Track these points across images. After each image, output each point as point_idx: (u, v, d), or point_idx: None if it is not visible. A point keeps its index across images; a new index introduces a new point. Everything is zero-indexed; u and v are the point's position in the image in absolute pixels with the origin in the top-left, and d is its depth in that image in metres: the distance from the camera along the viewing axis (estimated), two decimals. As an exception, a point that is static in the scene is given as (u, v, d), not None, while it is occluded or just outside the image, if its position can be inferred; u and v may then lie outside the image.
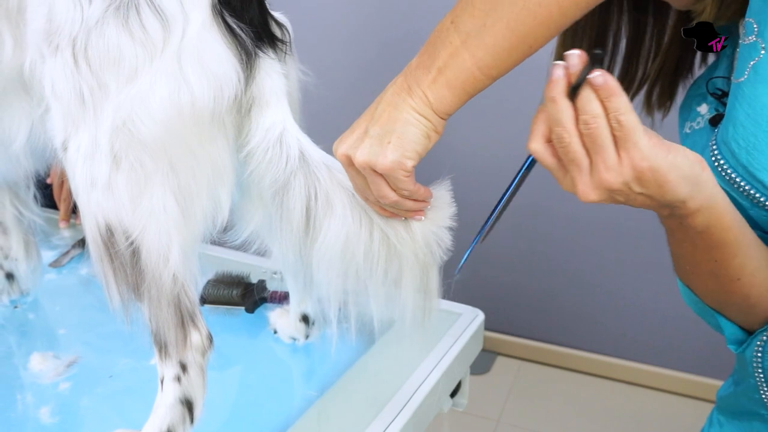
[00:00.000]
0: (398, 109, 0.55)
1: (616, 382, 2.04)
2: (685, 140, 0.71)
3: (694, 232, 0.55)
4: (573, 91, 0.50)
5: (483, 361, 2.13)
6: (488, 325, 2.39)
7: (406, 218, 0.63)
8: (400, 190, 0.58)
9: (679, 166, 0.50)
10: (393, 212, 0.62)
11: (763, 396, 0.66)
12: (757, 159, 0.57)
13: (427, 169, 0.63)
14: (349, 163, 0.57)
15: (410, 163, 0.55)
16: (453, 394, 0.87)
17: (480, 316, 0.91)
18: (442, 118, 0.55)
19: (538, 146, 0.53)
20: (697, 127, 0.69)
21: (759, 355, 0.64)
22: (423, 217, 0.62)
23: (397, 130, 0.54)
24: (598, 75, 0.48)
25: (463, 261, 0.64)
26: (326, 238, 0.62)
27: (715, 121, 0.65)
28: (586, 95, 0.49)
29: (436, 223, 0.63)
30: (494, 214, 0.62)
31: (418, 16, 2.00)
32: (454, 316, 0.90)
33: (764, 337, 0.64)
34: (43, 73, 0.59)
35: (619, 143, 0.50)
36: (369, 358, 0.82)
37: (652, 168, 0.49)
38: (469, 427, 1.86)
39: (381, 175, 0.56)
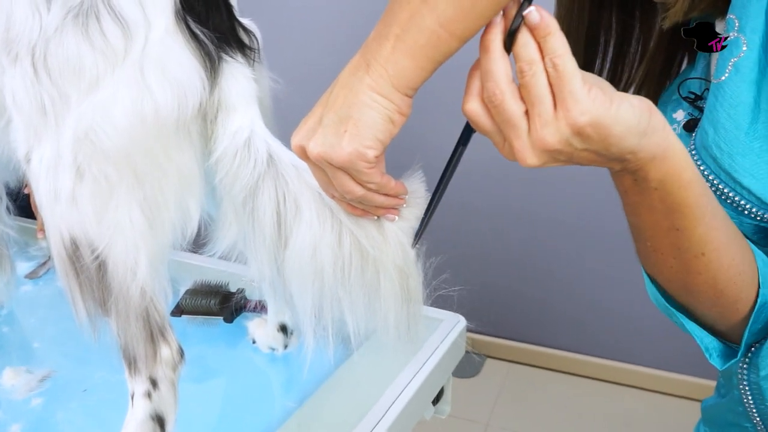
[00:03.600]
0: (354, 90, 0.48)
1: (605, 383, 2.04)
2: None
3: (651, 189, 0.50)
4: (510, 39, 0.44)
5: (472, 364, 2.12)
6: (477, 328, 2.38)
7: (378, 217, 0.58)
8: (365, 184, 0.52)
9: (624, 118, 0.45)
10: (363, 209, 0.57)
11: (748, 408, 0.63)
12: (739, 163, 0.54)
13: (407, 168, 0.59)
14: (305, 156, 0.52)
15: (372, 153, 0.49)
16: (435, 401, 0.86)
17: (461, 322, 0.90)
18: (406, 95, 0.48)
19: (473, 106, 0.47)
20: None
21: (744, 367, 0.62)
22: (397, 216, 0.57)
23: (354, 115, 0.48)
24: (532, 10, 0.43)
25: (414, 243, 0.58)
26: (296, 244, 0.60)
27: (690, 126, 0.63)
28: (522, 39, 0.44)
29: (411, 221, 0.58)
30: (435, 197, 0.56)
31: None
32: (435, 322, 0.89)
33: (749, 355, 0.61)
34: (3, 84, 0.58)
35: (556, 93, 0.44)
36: (348, 366, 0.81)
37: (593, 122, 0.44)
38: (459, 430, 1.85)
39: (341, 168, 0.50)
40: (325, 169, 0.52)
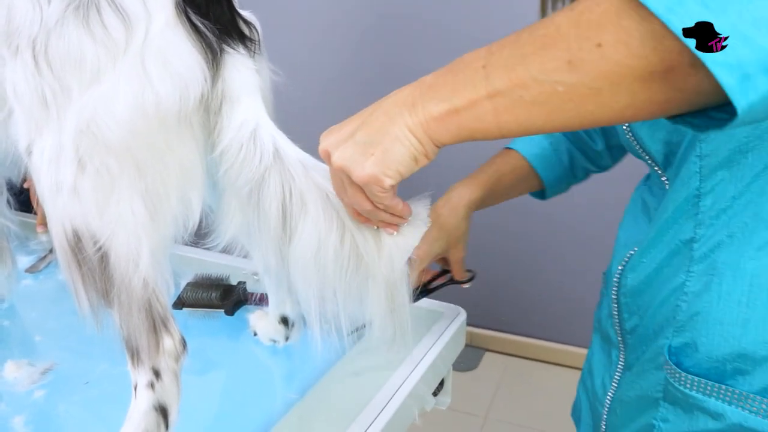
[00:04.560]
0: (393, 122, 0.51)
1: (604, 375, 2.05)
2: None
3: None
4: None
5: (470, 358, 2.12)
6: (476, 322, 2.39)
7: (378, 227, 0.61)
8: (375, 203, 0.56)
9: None
10: (367, 218, 0.60)
11: (614, 315, 0.72)
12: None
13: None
14: (328, 161, 0.55)
15: (389, 182, 0.53)
16: (436, 393, 0.86)
17: (462, 315, 0.91)
18: (436, 146, 0.52)
19: None
20: None
21: (619, 270, 0.70)
22: (395, 232, 0.60)
23: (385, 143, 0.51)
24: None
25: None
26: (301, 239, 0.61)
27: None
28: None
29: (407, 240, 0.61)
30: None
31: (394, 14, 1.98)
32: (435, 314, 0.90)
33: (632, 251, 0.68)
34: (4, 76, 0.58)
35: None
36: (350, 358, 0.81)
37: None
38: (457, 424, 1.86)
39: (357, 184, 0.54)
40: (342, 179, 0.55)
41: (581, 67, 0.42)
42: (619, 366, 0.74)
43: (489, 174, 0.85)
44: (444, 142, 0.51)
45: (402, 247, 0.61)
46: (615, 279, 0.71)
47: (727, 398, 0.59)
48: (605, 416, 0.76)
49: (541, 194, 0.92)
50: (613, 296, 0.71)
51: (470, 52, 0.49)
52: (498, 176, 0.86)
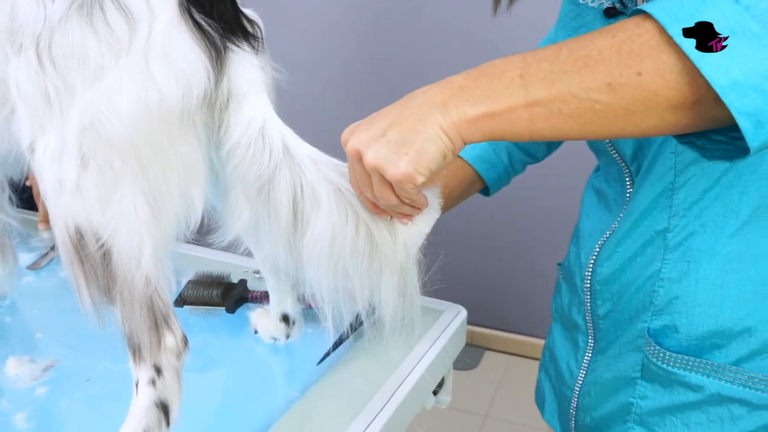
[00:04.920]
0: (425, 122, 0.52)
1: (603, 375, 2.06)
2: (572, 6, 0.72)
3: None
4: None
5: (471, 357, 2.13)
6: (476, 321, 2.39)
7: (392, 217, 0.63)
8: (402, 197, 0.57)
9: None
10: (384, 210, 0.62)
11: (586, 302, 0.75)
12: None
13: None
14: (357, 159, 0.56)
15: (421, 179, 0.54)
16: (436, 392, 0.86)
17: (462, 313, 0.91)
18: (464, 144, 0.54)
19: None
20: (592, 5, 0.70)
21: (592, 261, 0.73)
22: (409, 221, 0.63)
23: (418, 143, 0.52)
24: None
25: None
26: (314, 232, 0.62)
27: (609, 13, 0.67)
28: None
29: (420, 228, 0.63)
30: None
31: (393, 13, 1.99)
32: (436, 313, 0.90)
33: (601, 241, 0.72)
34: (7, 73, 0.58)
35: None
36: (351, 356, 0.81)
37: None
38: (457, 422, 1.86)
39: (388, 180, 0.55)
40: (372, 176, 0.56)
41: (620, 90, 0.46)
42: (588, 351, 0.78)
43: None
44: (473, 141, 0.53)
45: (415, 234, 0.63)
46: (588, 269, 0.75)
47: (706, 371, 0.64)
48: (575, 399, 0.79)
49: (485, 191, 0.96)
50: (586, 284, 0.75)
51: (501, 58, 0.51)
52: (448, 192, 0.87)
